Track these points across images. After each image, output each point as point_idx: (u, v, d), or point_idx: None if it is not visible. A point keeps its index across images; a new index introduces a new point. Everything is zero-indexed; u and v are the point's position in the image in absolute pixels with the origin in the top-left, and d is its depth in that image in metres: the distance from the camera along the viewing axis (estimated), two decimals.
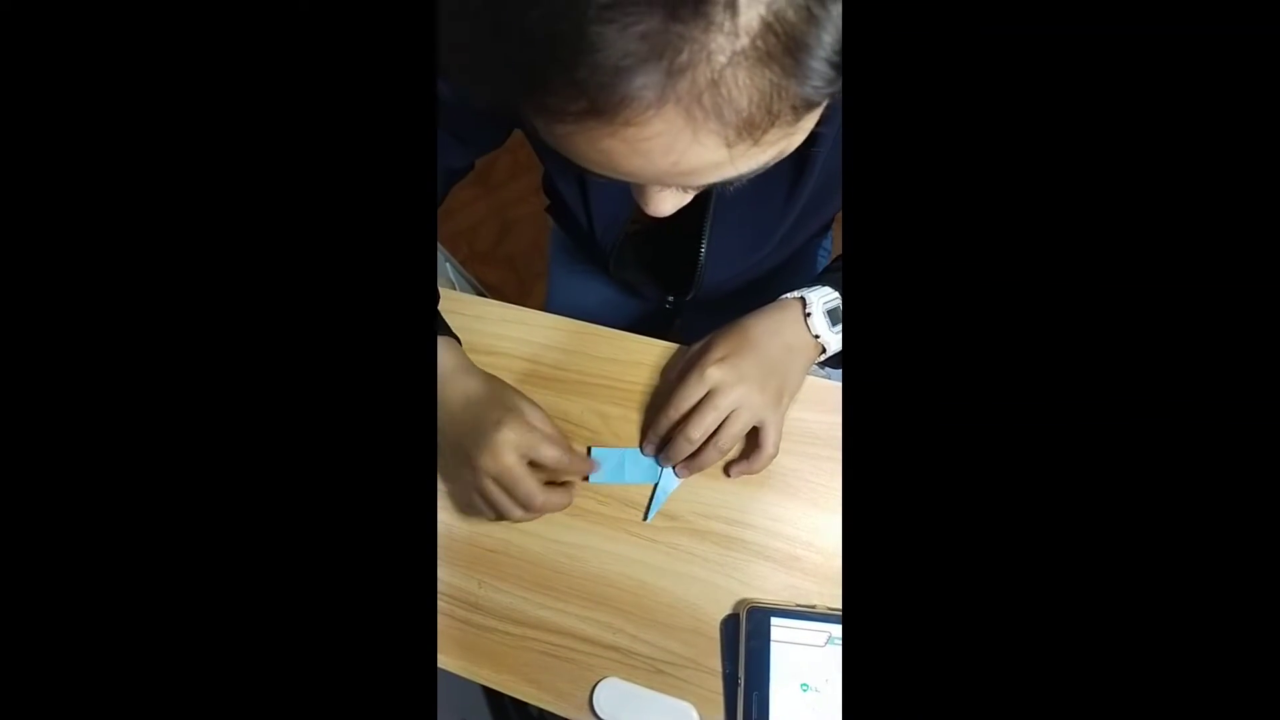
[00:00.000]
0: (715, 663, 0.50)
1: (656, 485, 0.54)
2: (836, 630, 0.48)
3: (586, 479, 0.55)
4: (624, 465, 0.55)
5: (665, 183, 0.30)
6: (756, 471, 0.52)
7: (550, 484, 0.51)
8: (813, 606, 0.49)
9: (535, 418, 0.51)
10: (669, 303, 0.77)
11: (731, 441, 0.50)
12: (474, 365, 0.53)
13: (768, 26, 0.22)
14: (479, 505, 0.51)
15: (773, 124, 0.25)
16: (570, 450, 0.51)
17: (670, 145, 0.25)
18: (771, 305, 0.53)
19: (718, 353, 0.51)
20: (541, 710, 0.52)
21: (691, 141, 0.25)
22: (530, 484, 0.49)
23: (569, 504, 0.53)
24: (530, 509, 0.49)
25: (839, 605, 0.49)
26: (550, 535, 0.54)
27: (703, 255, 0.59)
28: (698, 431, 0.50)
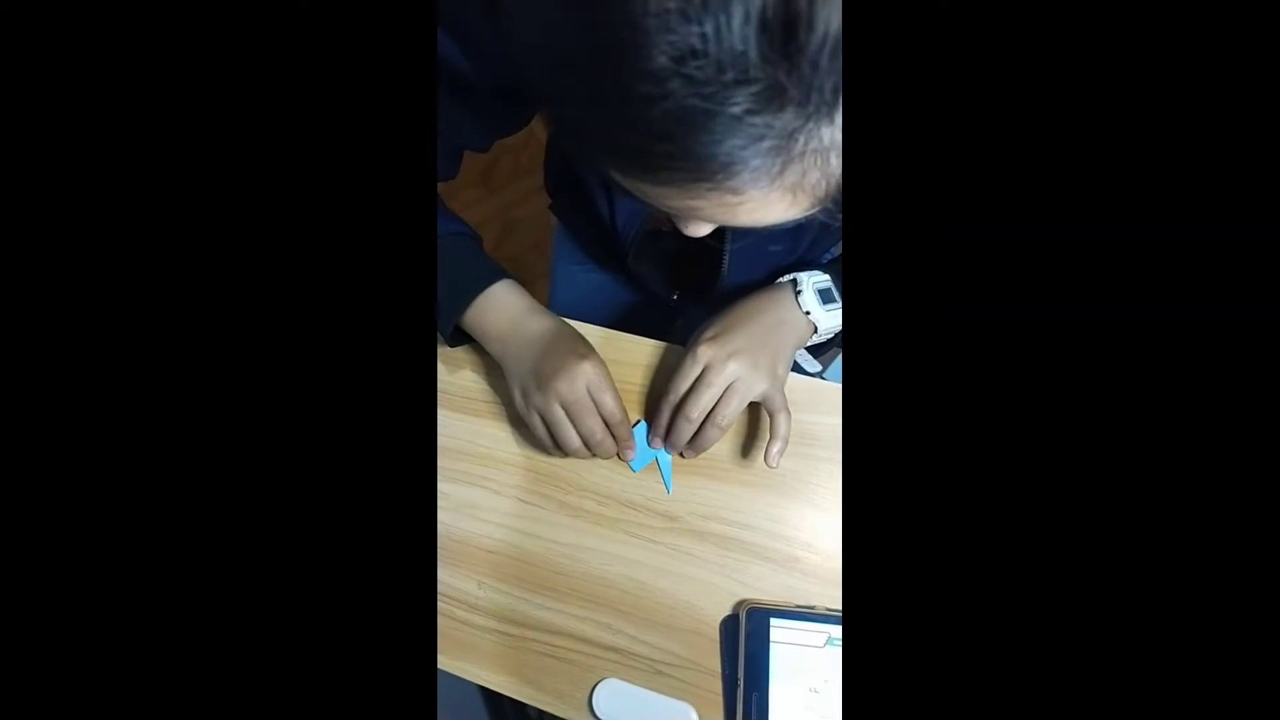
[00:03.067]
0: (715, 663, 0.50)
1: (658, 461, 0.55)
2: (835, 631, 0.48)
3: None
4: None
5: (726, 225, 0.30)
6: (787, 440, 0.51)
7: None
8: (812, 607, 0.49)
9: (604, 367, 0.52)
10: (674, 300, 0.76)
11: (731, 418, 0.50)
12: (543, 307, 0.54)
13: None
14: (536, 429, 0.51)
15: None
16: (624, 411, 0.52)
17: (760, 212, 0.27)
18: (765, 287, 0.55)
19: (709, 333, 0.52)
20: (540, 711, 0.52)
21: (781, 212, 0.27)
22: (595, 420, 0.49)
23: (613, 456, 0.53)
24: (589, 444, 0.50)
25: (838, 606, 0.49)
26: (550, 536, 0.54)
27: (725, 263, 0.60)
28: (695, 410, 0.50)
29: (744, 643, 0.48)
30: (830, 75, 0.22)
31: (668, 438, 0.53)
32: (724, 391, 0.50)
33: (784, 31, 0.21)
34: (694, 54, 0.21)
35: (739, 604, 0.51)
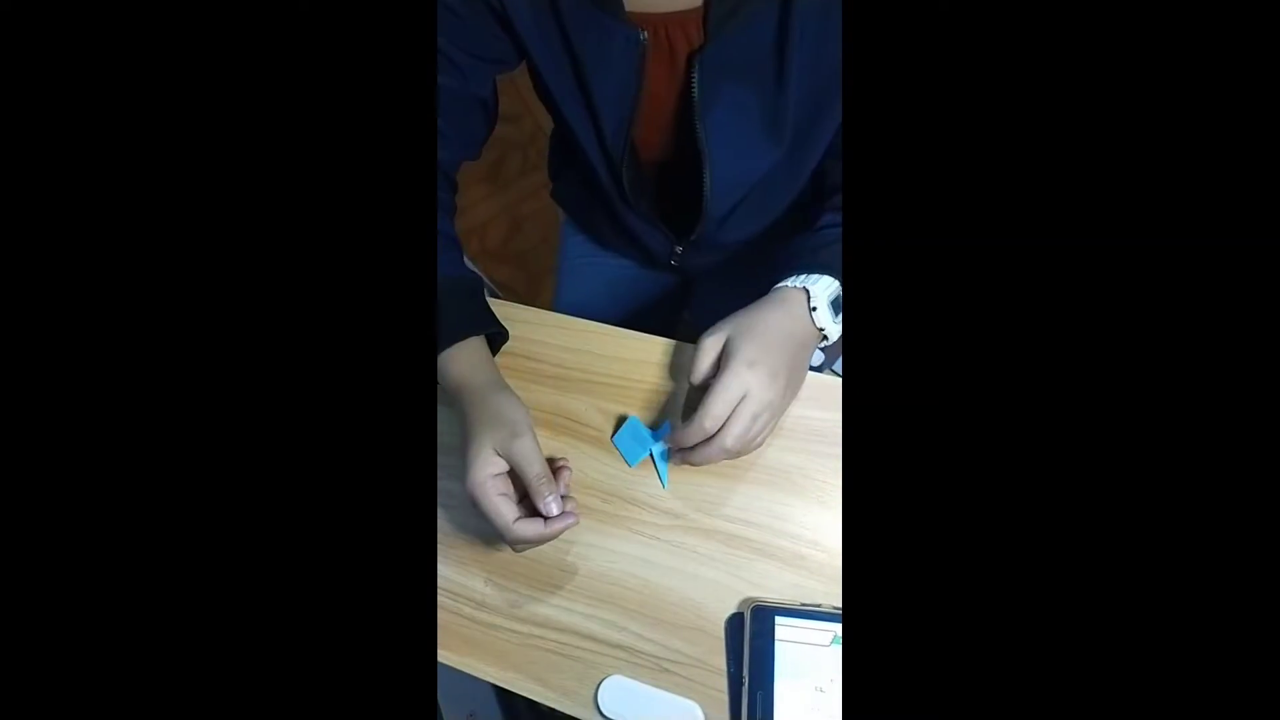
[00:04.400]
0: (720, 661, 0.50)
1: (652, 455, 0.55)
2: (840, 629, 0.47)
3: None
4: (632, 443, 0.56)
5: None
6: (711, 460, 0.50)
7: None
8: (818, 605, 0.49)
9: (522, 453, 0.48)
10: (676, 255, 0.74)
11: (747, 448, 0.50)
12: (487, 376, 0.52)
13: None
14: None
15: None
16: (550, 483, 0.48)
17: None
18: (777, 297, 0.52)
19: (748, 354, 0.49)
20: (551, 708, 0.52)
21: None
22: (502, 518, 0.46)
23: (538, 540, 0.48)
24: (506, 539, 0.47)
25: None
26: None
27: (707, 183, 0.58)
28: (730, 440, 0.48)
29: (749, 641, 0.48)
30: None
31: (687, 457, 0.51)
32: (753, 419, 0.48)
33: None
34: None
35: (744, 602, 0.51)
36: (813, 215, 0.58)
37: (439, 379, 0.53)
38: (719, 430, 0.48)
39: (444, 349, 0.52)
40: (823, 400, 0.55)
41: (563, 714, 0.52)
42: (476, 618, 0.53)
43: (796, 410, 0.55)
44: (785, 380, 0.50)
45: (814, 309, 0.51)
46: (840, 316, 0.52)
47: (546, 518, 0.47)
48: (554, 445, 0.57)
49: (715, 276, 0.80)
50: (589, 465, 0.56)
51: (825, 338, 0.52)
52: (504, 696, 0.79)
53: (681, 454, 0.51)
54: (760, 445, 0.51)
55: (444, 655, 0.52)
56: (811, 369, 0.57)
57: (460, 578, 0.55)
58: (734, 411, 0.48)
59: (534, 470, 0.47)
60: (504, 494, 0.47)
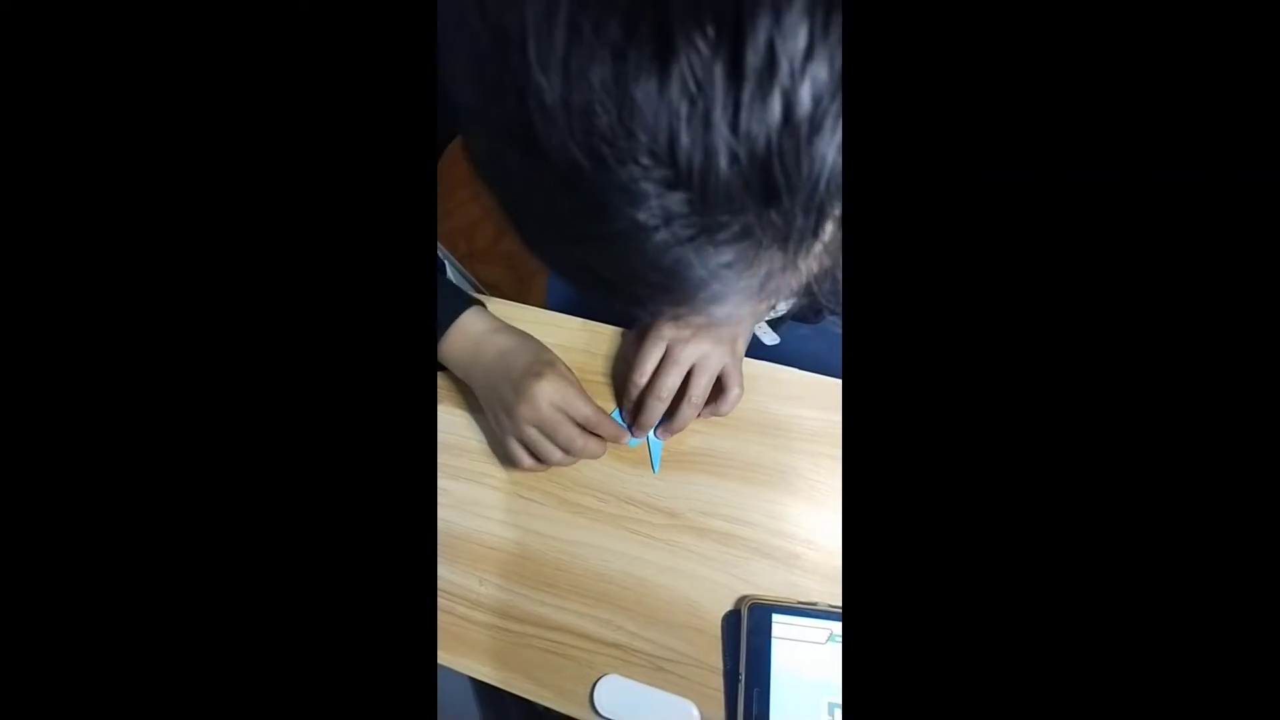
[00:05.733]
0: (716, 660, 0.50)
1: (648, 442, 0.56)
2: (837, 627, 0.48)
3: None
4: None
5: None
6: (724, 414, 0.54)
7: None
8: (814, 603, 0.49)
9: (568, 374, 0.52)
10: None
11: (703, 393, 0.52)
12: (506, 324, 0.55)
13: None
14: (516, 453, 0.51)
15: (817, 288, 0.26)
16: (599, 409, 0.52)
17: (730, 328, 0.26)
18: None
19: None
20: (546, 708, 0.52)
21: (750, 315, 0.26)
22: (570, 428, 0.50)
23: (603, 453, 0.53)
24: (570, 452, 0.50)
25: (839, 602, 0.49)
26: (551, 532, 0.55)
27: None
28: (665, 390, 0.51)
29: (746, 638, 0.48)
30: (814, 213, 0.21)
31: (637, 419, 0.54)
32: (690, 369, 0.51)
33: (770, 176, 0.19)
34: (680, 214, 0.20)
35: (741, 599, 0.51)
36: None
37: (445, 354, 0.54)
38: (650, 386, 0.52)
39: (450, 323, 0.53)
40: (816, 400, 0.56)
41: (558, 713, 0.52)
42: (471, 617, 0.53)
43: (790, 410, 0.56)
44: (715, 330, 0.51)
45: None
46: None
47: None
48: None
49: None
50: (584, 464, 0.56)
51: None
52: (485, 695, 0.78)
53: (636, 422, 0.54)
54: (702, 399, 0.52)
55: (439, 655, 0.52)
56: (765, 345, 0.58)
57: (455, 577, 0.54)
58: (659, 367, 0.52)
59: (592, 405, 0.51)
60: (565, 418, 0.50)
